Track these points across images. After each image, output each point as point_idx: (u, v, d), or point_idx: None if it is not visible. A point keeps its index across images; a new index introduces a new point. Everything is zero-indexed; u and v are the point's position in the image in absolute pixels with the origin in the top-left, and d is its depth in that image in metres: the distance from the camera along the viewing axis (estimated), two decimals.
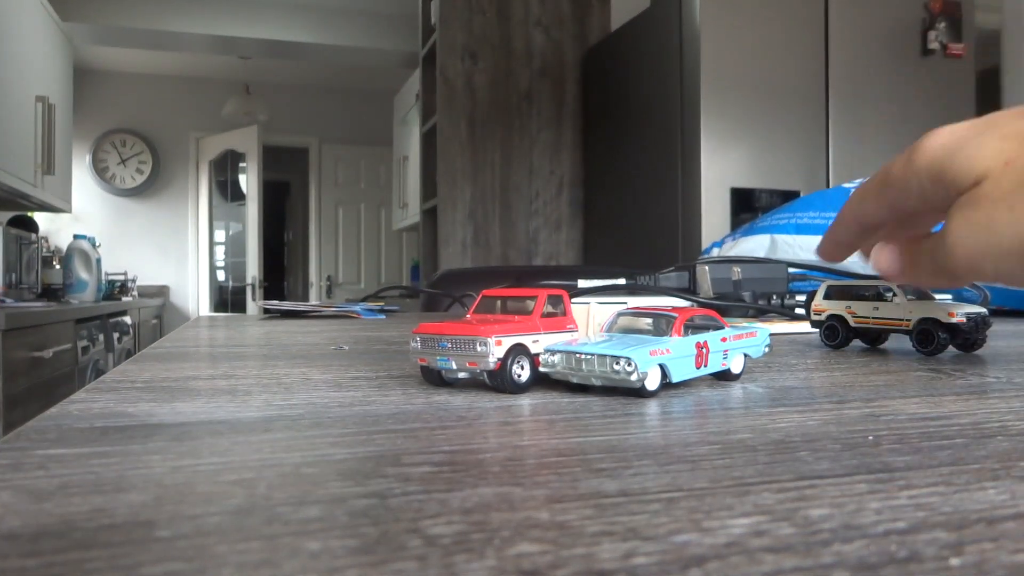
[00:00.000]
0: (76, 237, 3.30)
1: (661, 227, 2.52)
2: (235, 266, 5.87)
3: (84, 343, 2.92)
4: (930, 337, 0.55)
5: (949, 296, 0.70)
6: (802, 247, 1.19)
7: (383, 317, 1.29)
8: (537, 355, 0.39)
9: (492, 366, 0.38)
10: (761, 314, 0.93)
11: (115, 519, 0.18)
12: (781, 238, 1.22)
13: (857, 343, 0.65)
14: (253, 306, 5.43)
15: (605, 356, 0.36)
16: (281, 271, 7.38)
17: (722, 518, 0.18)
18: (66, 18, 3.96)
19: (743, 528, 0.18)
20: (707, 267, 0.94)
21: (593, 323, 0.45)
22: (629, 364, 0.36)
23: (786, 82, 2.38)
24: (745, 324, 0.48)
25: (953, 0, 2.52)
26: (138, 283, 4.98)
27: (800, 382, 0.43)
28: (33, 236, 3.23)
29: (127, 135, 5.66)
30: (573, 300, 0.45)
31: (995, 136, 0.32)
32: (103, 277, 3.53)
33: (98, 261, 3.35)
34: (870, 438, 0.28)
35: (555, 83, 3.16)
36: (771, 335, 0.60)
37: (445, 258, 3.04)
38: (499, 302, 0.43)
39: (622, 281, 0.92)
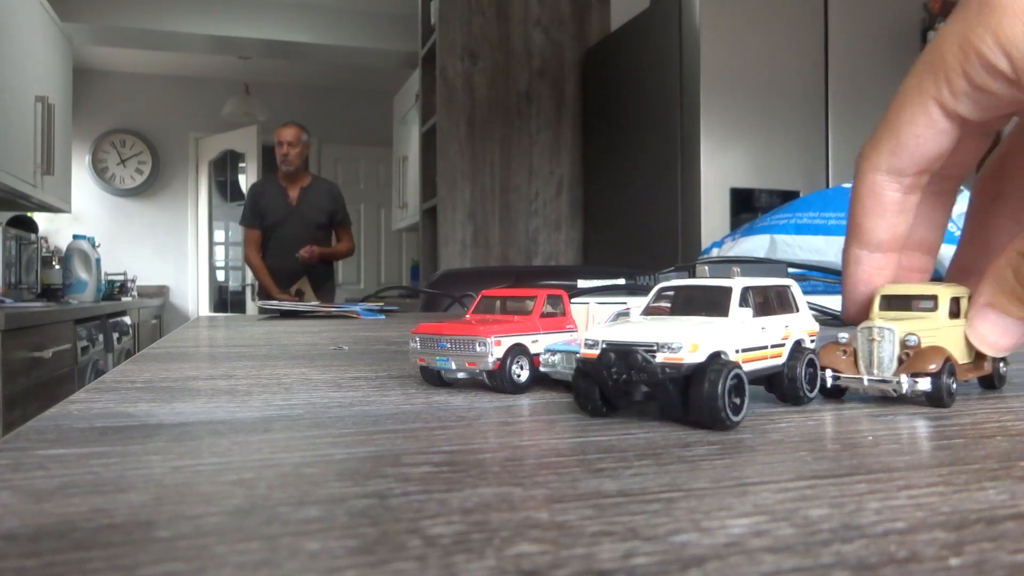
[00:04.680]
0: (75, 237, 3.31)
1: (661, 227, 2.52)
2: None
3: (84, 343, 2.92)
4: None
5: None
6: (802, 247, 1.19)
7: (383, 317, 1.29)
8: (536, 355, 0.39)
9: (491, 366, 0.38)
10: None
11: (115, 519, 0.18)
12: (781, 238, 1.22)
13: None
14: (253, 306, 5.43)
15: None
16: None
17: (722, 518, 0.18)
18: (66, 18, 3.96)
19: (743, 528, 0.18)
20: (706, 267, 0.94)
21: (593, 323, 0.45)
22: None
23: (786, 82, 2.38)
24: None
25: (953, 0, 2.52)
26: (138, 283, 4.99)
27: None
28: (33, 236, 3.23)
29: (127, 135, 5.66)
30: (573, 300, 0.45)
31: None
32: (102, 277, 3.53)
33: (97, 261, 3.35)
34: (870, 438, 0.28)
35: (555, 83, 3.16)
36: None
37: (445, 258, 3.04)
38: (498, 302, 0.43)
39: (621, 281, 0.92)
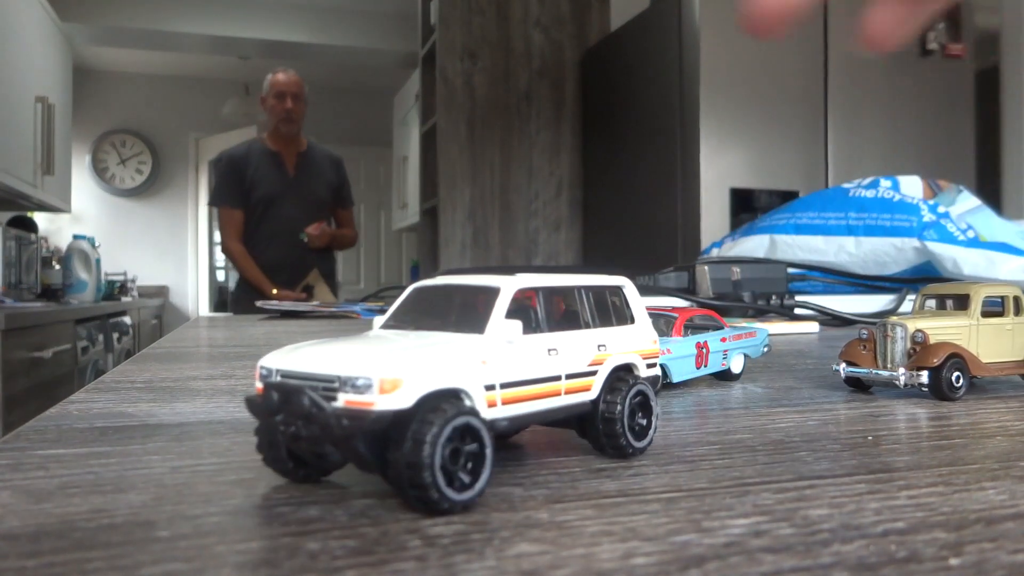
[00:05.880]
0: (75, 237, 3.30)
1: (661, 227, 2.52)
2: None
3: (84, 343, 2.92)
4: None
5: None
6: (801, 247, 1.19)
7: None
8: None
9: None
10: (761, 314, 0.93)
11: (115, 519, 0.18)
12: (780, 238, 1.22)
13: None
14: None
15: None
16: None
17: (722, 518, 0.18)
18: (66, 18, 3.96)
19: (743, 528, 0.18)
20: (706, 267, 0.94)
21: None
22: None
23: (785, 82, 2.38)
24: (744, 324, 0.48)
25: (952, 0, 2.52)
26: (137, 283, 4.99)
27: (800, 382, 0.43)
28: (33, 236, 3.23)
29: (127, 135, 5.66)
30: None
31: None
32: (102, 277, 3.53)
33: (97, 261, 3.35)
34: (869, 438, 0.28)
35: (554, 83, 3.16)
36: (770, 335, 0.59)
37: (445, 258, 3.04)
38: None
39: None
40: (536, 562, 0.15)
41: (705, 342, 0.40)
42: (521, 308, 0.22)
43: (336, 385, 0.19)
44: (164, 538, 0.17)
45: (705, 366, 0.40)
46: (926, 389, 0.36)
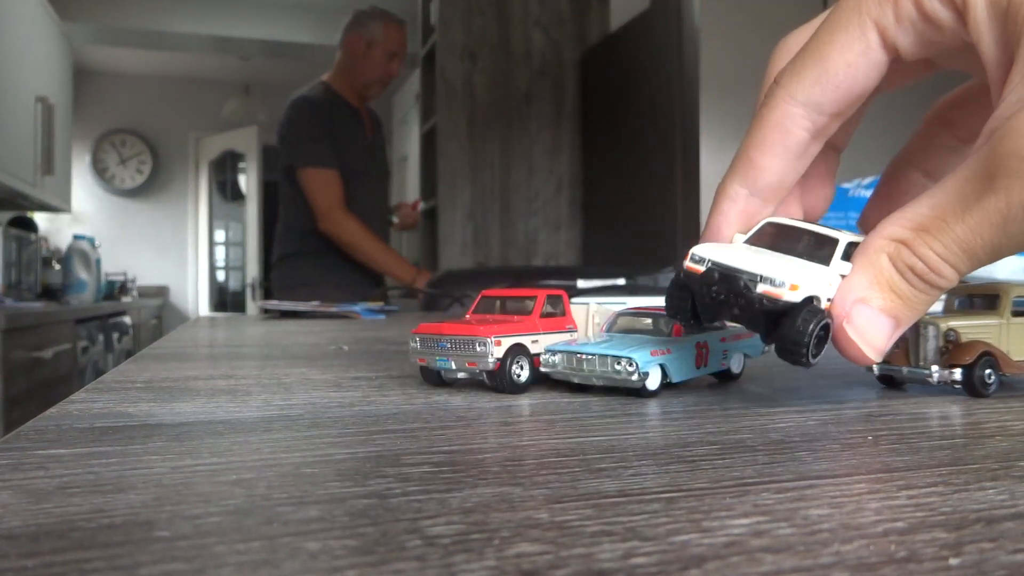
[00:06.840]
0: (76, 237, 3.30)
1: (661, 227, 2.52)
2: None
3: (84, 343, 2.92)
4: None
5: None
6: None
7: (383, 317, 1.29)
8: (536, 355, 0.39)
9: (491, 366, 0.38)
10: None
11: (115, 519, 0.18)
12: None
13: None
14: (253, 306, 5.42)
15: (606, 356, 0.36)
16: None
17: (721, 518, 0.18)
18: (66, 18, 3.96)
19: (742, 528, 0.18)
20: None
21: (592, 323, 0.45)
22: (630, 364, 0.36)
23: None
24: None
25: None
26: (138, 283, 4.99)
27: (799, 382, 0.43)
28: (33, 236, 3.23)
29: (127, 135, 5.66)
30: (572, 300, 0.45)
31: None
32: (103, 277, 3.53)
33: (97, 261, 3.35)
34: (869, 438, 0.28)
35: (554, 83, 3.16)
36: None
37: (445, 258, 3.04)
38: (498, 302, 0.43)
39: (621, 281, 0.92)
40: (536, 562, 0.15)
41: (705, 342, 0.40)
42: (847, 254, 0.32)
43: (759, 279, 0.31)
44: (164, 538, 0.17)
45: (705, 366, 0.40)
46: (959, 386, 0.37)
